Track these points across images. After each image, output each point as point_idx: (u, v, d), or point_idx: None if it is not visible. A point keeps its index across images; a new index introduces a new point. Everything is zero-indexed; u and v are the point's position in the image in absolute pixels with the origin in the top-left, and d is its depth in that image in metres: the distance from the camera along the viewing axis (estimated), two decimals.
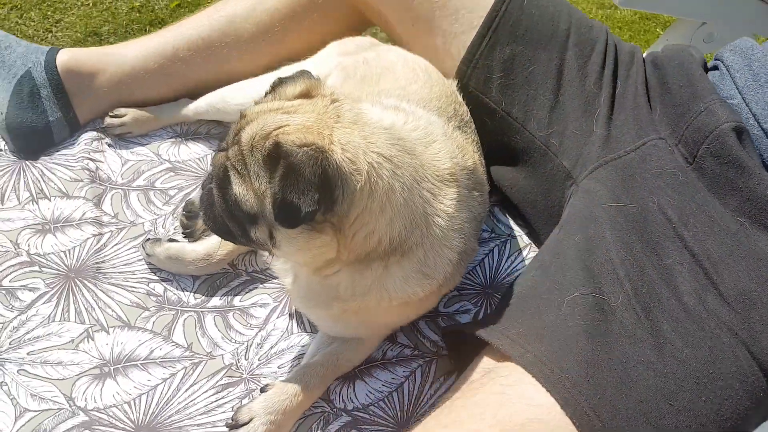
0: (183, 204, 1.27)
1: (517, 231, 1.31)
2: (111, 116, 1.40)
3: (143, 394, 1.02)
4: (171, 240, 1.19)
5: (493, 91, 1.26)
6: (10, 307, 1.11)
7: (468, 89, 1.27)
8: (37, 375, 1.03)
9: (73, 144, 1.39)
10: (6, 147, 1.37)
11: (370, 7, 1.37)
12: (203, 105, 1.39)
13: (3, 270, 1.16)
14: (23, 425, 0.97)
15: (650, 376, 0.86)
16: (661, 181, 1.06)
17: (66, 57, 1.38)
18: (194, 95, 1.43)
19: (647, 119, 1.16)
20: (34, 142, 1.36)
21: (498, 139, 1.26)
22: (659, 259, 0.99)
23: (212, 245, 1.17)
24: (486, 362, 0.94)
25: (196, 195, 1.28)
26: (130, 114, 1.40)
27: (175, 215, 1.28)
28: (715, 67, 1.22)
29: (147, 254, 1.18)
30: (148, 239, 1.20)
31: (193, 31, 1.41)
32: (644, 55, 1.30)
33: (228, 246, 1.16)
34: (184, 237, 1.23)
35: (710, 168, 1.05)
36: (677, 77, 1.17)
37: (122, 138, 1.42)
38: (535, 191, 1.23)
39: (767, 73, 1.10)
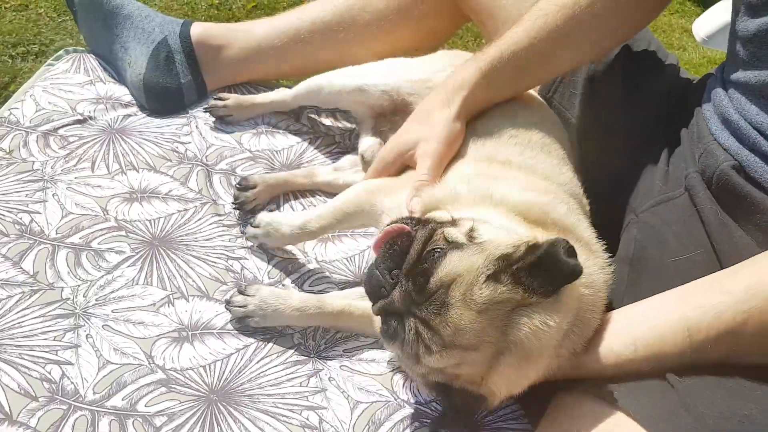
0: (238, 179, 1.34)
1: None
2: (215, 99, 1.50)
3: (218, 360, 1.08)
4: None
5: (575, 107, 1.30)
6: (98, 267, 1.18)
7: (552, 102, 1.32)
8: (120, 332, 1.09)
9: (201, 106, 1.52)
10: (95, 117, 1.47)
11: (467, 4, 1.45)
12: (303, 90, 1.47)
13: (93, 232, 1.23)
14: (105, 375, 1.03)
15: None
16: (711, 228, 1.05)
17: (199, 29, 1.54)
18: (311, 74, 1.53)
19: (689, 155, 1.14)
20: (167, 101, 1.51)
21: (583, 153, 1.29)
22: None
23: (307, 217, 1.21)
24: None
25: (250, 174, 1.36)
26: (233, 99, 1.50)
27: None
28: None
29: (252, 225, 1.22)
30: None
31: (315, 14, 1.54)
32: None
33: (323, 221, 1.19)
34: (235, 208, 1.31)
35: (726, 202, 1.03)
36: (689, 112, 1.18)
37: (218, 122, 1.50)
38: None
39: (738, 131, 1.05)
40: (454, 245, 0.88)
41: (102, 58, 1.61)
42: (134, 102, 1.53)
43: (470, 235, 0.90)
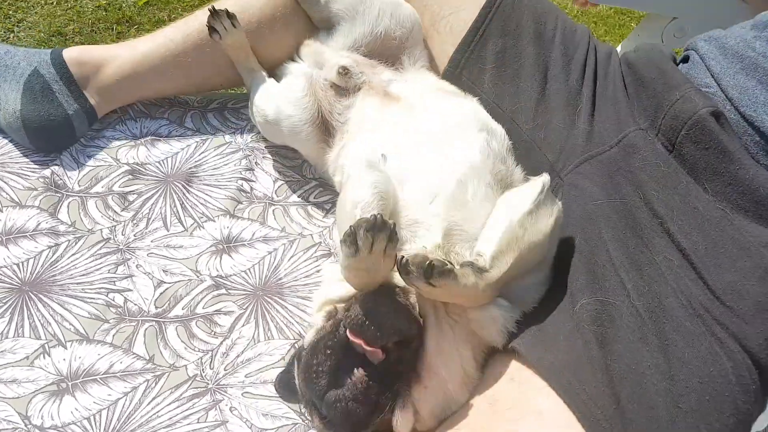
0: None
1: None
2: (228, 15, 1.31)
3: (103, 409, 0.99)
4: None
5: (485, 83, 1.28)
6: None
7: (461, 78, 1.28)
8: None
9: (92, 135, 1.39)
10: None
11: None
12: None
13: None
14: None
15: (659, 380, 0.87)
16: (645, 175, 1.07)
17: (74, 52, 1.38)
18: (201, 91, 1.48)
19: (626, 112, 1.18)
20: (55, 136, 1.34)
21: None
22: (652, 255, 0.99)
23: None
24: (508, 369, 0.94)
25: None
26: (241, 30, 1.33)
27: (134, 221, 1.24)
28: (686, 59, 1.24)
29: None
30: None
31: (192, 25, 1.38)
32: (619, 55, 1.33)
33: None
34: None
35: (690, 154, 1.06)
36: (650, 72, 1.19)
37: (84, 142, 1.38)
38: None
39: (741, 59, 1.12)
40: None
41: None
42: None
43: None
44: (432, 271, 0.84)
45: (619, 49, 2.20)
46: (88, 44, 1.70)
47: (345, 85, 1.24)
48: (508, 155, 1.11)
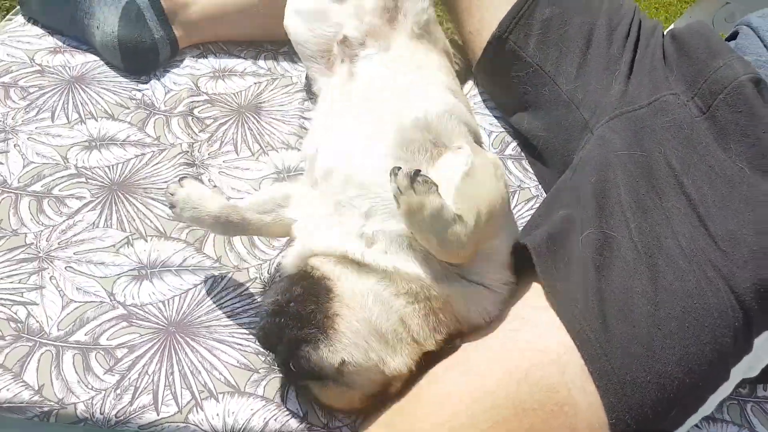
0: None
1: (526, 183, 1.40)
2: None
3: (176, 296, 1.14)
4: None
5: (530, 47, 1.38)
6: (59, 212, 1.23)
7: (507, 43, 1.39)
8: (82, 272, 1.15)
9: (178, 65, 1.55)
10: (54, 66, 1.49)
11: None
12: None
13: (54, 180, 1.27)
14: (69, 313, 1.09)
15: (644, 304, 0.96)
16: (669, 134, 1.16)
17: None
18: (272, 38, 1.62)
19: (662, 79, 1.26)
20: (143, 58, 1.51)
21: (529, 89, 1.40)
22: (661, 202, 1.08)
23: None
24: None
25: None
26: None
27: (209, 142, 1.39)
28: (734, 36, 1.33)
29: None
30: None
31: None
32: (665, 30, 1.41)
33: None
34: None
35: (723, 116, 1.14)
36: (695, 42, 1.27)
37: (170, 69, 1.54)
38: (557, 139, 1.35)
39: None
40: None
41: (59, 31, 1.59)
42: (92, 50, 1.55)
43: None
44: (417, 175, 0.91)
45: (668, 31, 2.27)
46: None
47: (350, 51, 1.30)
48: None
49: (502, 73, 1.44)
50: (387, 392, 0.98)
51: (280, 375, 1.05)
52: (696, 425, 1.07)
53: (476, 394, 0.93)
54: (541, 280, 1.02)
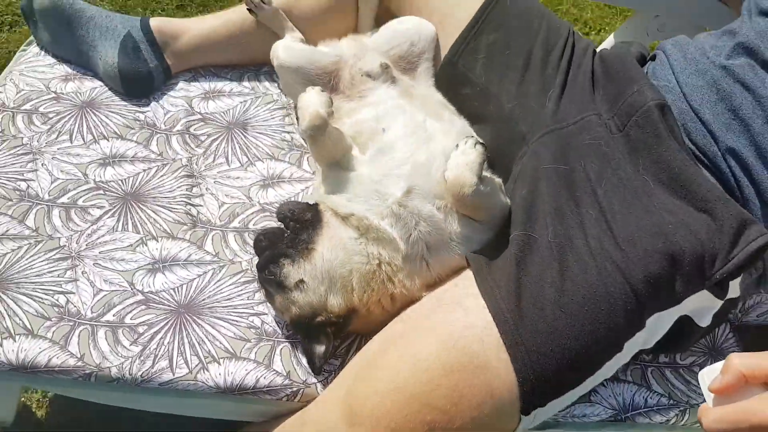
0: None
1: None
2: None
3: (183, 284, 1.42)
4: None
5: (477, 69, 1.59)
6: (85, 220, 1.50)
7: (457, 65, 1.62)
8: (107, 267, 1.42)
9: (173, 88, 1.83)
10: (67, 93, 1.76)
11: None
12: None
13: (77, 193, 1.55)
14: (99, 300, 1.37)
15: (552, 292, 1.17)
16: (590, 150, 1.35)
17: (156, 22, 1.81)
18: (255, 62, 1.89)
19: (589, 100, 1.46)
20: (140, 85, 1.78)
21: (476, 105, 1.59)
22: (578, 209, 1.25)
23: None
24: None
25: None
26: (273, 7, 1.77)
27: (205, 155, 1.67)
28: (654, 57, 1.53)
29: None
30: None
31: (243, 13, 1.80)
32: (597, 50, 1.63)
33: None
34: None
35: (634, 135, 1.33)
36: (617, 67, 1.47)
37: (167, 92, 1.82)
38: (498, 149, 1.52)
39: (695, 63, 1.39)
40: None
41: (68, 60, 1.85)
42: (98, 76, 1.81)
43: None
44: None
45: (611, 37, 2.54)
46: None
47: (377, 77, 1.58)
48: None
49: (455, 90, 1.61)
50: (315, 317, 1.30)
51: (268, 343, 1.34)
52: (602, 384, 1.31)
53: (415, 359, 1.14)
54: (474, 276, 1.25)
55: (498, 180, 1.39)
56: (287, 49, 1.67)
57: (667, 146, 1.27)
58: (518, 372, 1.13)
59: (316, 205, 1.36)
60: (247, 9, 1.78)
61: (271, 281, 1.31)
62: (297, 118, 1.60)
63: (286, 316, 1.33)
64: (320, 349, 1.28)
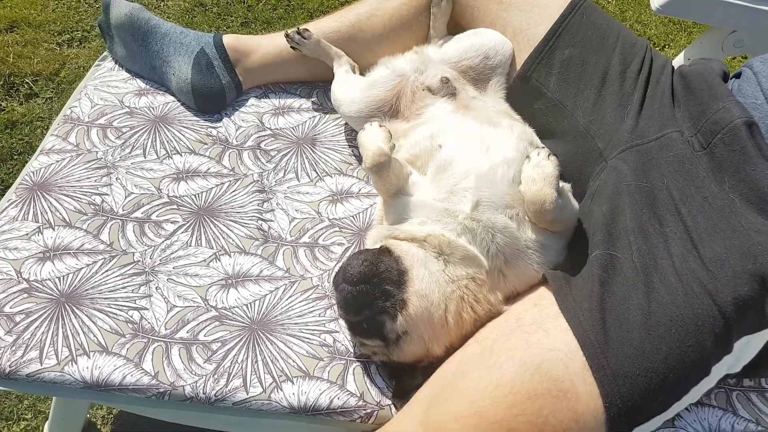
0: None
1: None
2: (298, 33, 1.78)
3: (256, 300, 1.41)
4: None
5: (551, 84, 1.57)
6: (159, 234, 1.51)
7: (530, 79, 1.60)
8: (181, 282, 1.43)
9: (244, 104, 1.85)
10: (140, 108, 1.78)
11: (463, 7, 1.74)
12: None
13: (151, 207, 1.56)
14: (173, 316, 1.37)
15: (638, 314, 1.13)
16: (672, 168, 1.32)
17: (229, 39, 1.84)
18: (321, 79, 1.88)
19: (669, 116, 1.43)
20: (213, 100, 1.81)
21: (550, 120, 1.57)
22: (661, 227, 1.23)
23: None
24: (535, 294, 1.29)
25: None
26: (313, 39, 1.78)
27: (275, 171, 1.67)
28: (740, 74, 1.49)
29: None
30: None
31: (328, 26, 1.81)
32: (675, 66, 1.59)
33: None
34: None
35: (719, 153, 1.30)
36: (699, 83, 1.44)
37: (238, 108, 1.83)
38: (573, 164, 1.51)
39: None
40: None
41: (141, 76, 1.88)
42: (170, 91, 1.84)
43: None
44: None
45: (683, 54, 2.47)
46: (224, 15, 2.19)
47: (437, 92, 1.58)
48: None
49: (527, 105, 1.61)
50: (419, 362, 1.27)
51: (341, 362, 1.32)
52: (686, 409, 1.27)
53: (497, 383, 1.11)
54: (555, 296, 1.21)
55: (567, 185, 1.37)
56: (345, 91, 1.70)
57: (754, 165, 1.25)
58: (605, 397, 1.09)
59: (384, 247, 1.28)
60: (291, 47, 1.80)
61: (372, 338, 1.25)
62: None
63: (380, 359, 1.31)
64: (416, 383, 1.25)
